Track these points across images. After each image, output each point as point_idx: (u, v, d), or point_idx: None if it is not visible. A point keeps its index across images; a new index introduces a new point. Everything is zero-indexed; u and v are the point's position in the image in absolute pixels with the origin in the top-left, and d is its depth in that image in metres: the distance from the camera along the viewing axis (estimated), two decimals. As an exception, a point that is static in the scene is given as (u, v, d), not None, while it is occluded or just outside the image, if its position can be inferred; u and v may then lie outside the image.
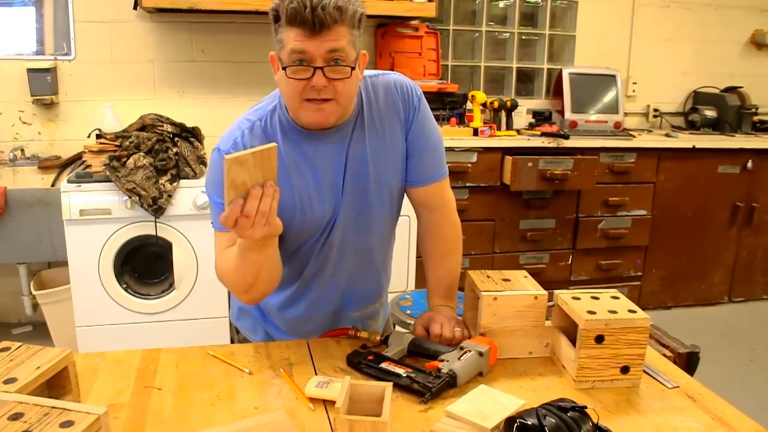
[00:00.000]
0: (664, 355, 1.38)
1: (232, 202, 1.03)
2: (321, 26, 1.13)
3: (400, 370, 1.17)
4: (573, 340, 1.19)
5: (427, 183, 1.42)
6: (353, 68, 1.19)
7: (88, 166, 2.62)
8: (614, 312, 1.17)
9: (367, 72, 1.36)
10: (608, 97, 3.78)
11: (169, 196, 2.55)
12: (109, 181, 2.51)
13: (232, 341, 1.65)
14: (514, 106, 3.43)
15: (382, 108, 1.35)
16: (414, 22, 3.46)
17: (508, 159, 3.22)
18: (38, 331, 3.17)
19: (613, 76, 3.79)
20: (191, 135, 2.78)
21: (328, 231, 1.36)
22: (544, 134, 3.37)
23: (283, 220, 1.27)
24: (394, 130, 1.36)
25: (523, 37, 3.87)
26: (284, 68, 1.17)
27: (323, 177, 1.32)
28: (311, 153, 1.30)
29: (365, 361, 1.21)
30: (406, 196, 1.48)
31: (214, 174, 1.29)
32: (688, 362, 1.42)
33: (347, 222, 1.36)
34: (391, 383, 1.01)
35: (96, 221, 2.53)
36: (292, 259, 1.39)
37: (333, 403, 1.03)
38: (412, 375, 1.15)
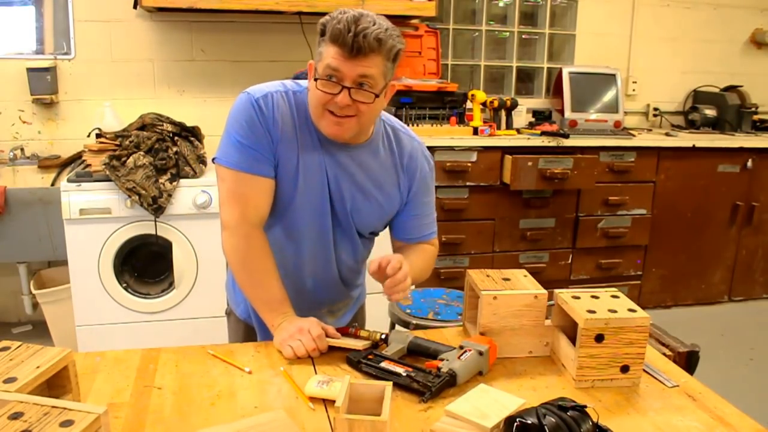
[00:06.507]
0: (664, 354, 1.38)
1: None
2: (358, 52, 1.21)
3: (400, 370, 1.17)
4: (573, 340, 1.19)
5: (415, 239, 1.52)
6: (377, 95, 1.27)
7: (88, 165, 2.61)
8: (614, 311, 1.17)
9: (397, 122, 1.47)
10: (608, 96, 3.78)
11: (169, 195, 2.55)
12: (109, 180, 2.51)
13: (231, 339, 1.65)
14: (514, 105, 3.43)
15: (399, 164, 1.44)
16: (414, 21, 3.46)
17: (508, 158, 3.22)
18: (38, 331, 3.17)
19: (613, 75, 3.79)
20: (191, 134, 2.78)
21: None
22: (544, 133, 3.37)
23: (285, 190, 1.36)
24: (392, 188, 1.44)
25: (523, 36, 3.87)
26: (316, 79, 1.25)
27: (318, 175, 1.37)
28: (322, 139, 1.37)
29: (365, 360, 1.21)
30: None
31: (238, 114, 1.33)
32: (688, 361, 1.42)
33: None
34: (390, 382, 1.00)
35: (96, 220, 2.53)
36: (284, 228, 1.43)
37: (333, 402, 1.03)
38: (412, 374, 1.15)
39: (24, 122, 3.13)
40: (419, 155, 1.47)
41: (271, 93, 1.34)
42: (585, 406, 0.96)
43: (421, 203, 1.50)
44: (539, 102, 3.91)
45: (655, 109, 4.11)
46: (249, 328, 1.54)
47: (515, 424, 0.93)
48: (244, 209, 1.33)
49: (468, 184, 3.24)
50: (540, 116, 3.80)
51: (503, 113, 3.41)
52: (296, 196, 1.36)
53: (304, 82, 1.40)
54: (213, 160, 1.37)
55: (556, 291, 1.28)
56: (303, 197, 1.37)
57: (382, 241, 1.60)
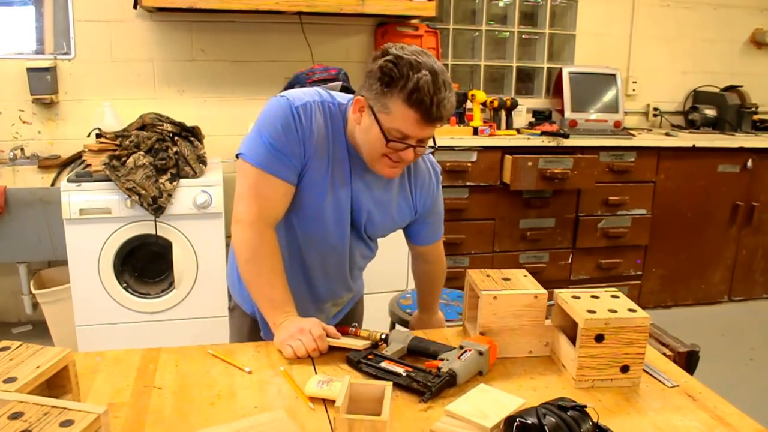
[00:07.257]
0: (664, 354, 1.38)
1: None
2: (436, 121, 1.25)
3: (400, 370, 1.17)
4: (573, 340, 1.19)
5: (430, 243, 1.63)
6: (435, 148, 1.40)
7: (88, 165, 2.61)
8: (614, 311, 1.17)
9: None
10: (608, 96, 3.78)
11: (169, 195, 2.55)
12: (109, 180, 2.51)
13: (231, 338, 1.65)
14: (514, 105, 3.43)
15: (412, 179, 1.49)
16: (414, 21, 3.46)
17: (508, 158, 3.22)
18: (38, 330, 3.17)
19: (613, 75, 3.79)
20: (191, 134, 2.78)
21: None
22: (544, 133, 3.37)
23: (313, 199, 1.39)
24: (405, 204, 1.49)
25: (523, 36, 3.87)
26: (387, 141, 1.27)
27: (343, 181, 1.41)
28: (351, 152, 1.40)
29: (365, 360, 1.21)
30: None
31: (274, 117, 1.33)
32: (688, 361, 1.42)
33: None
34: (390, 382, 1.01)
35: (96, 220, 2.53)
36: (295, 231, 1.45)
37: (333, 402, 1.03)
38: (412, 374, 1.15)
39: (24, 122, 3.13)
40: (431, 172, 1.53)
41: (309, 102, 1.34)
42: (585, 406, 0.96)
43: (435, 213, 1.59)
44: (539, 102, 3.91)
45: (655, 109, 4.11)
46: (255, 323, 1.56)
47: (515, 424, 0.93)
48: (262, 208, 1.34)
49: (468, 184, 3.24)
50: (540, 116, 3.80)
51: (503, 113, 3.41)
52: (324, 205, 1.39)
53: (338, 95, 1.41)
54: (237, 155, 1.37)
55: (556, 291, 1.28)
56: (330, 207, 1.40)
57: (386, 240, 1.62)
